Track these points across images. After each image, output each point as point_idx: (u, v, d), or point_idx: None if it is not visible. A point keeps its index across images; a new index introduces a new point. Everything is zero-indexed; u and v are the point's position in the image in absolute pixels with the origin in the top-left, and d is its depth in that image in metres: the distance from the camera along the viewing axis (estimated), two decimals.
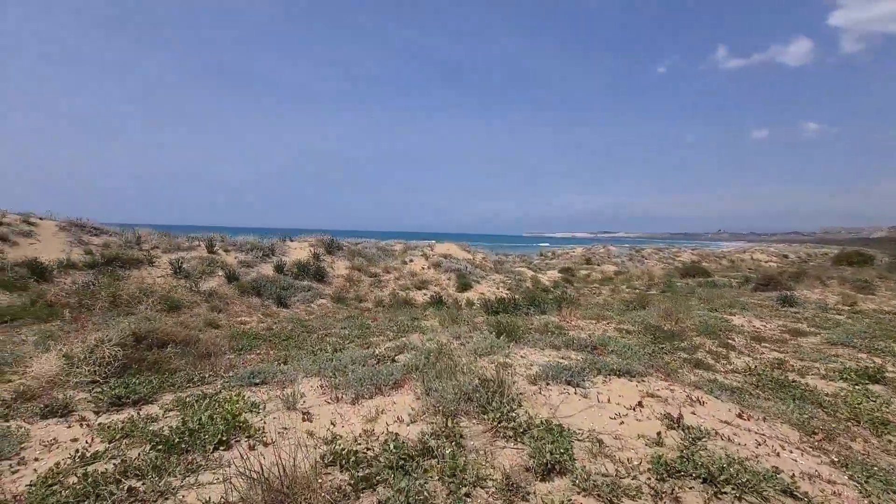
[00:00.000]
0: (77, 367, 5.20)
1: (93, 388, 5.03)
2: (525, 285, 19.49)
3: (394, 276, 17.54)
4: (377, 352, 6.07)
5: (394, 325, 10.52)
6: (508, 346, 6.14)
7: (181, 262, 13.71)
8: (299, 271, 15.60)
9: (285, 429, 3.80)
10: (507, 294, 15.58)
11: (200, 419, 3.64)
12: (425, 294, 16.08)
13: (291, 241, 19.41)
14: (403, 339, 7.76)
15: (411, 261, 19.62)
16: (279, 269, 15.44)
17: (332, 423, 3.88)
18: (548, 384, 4.60)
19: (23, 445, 3.68)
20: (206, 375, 5.51)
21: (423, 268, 18.81)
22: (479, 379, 4.13)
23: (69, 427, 4.12)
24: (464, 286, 17.04)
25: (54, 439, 3.84)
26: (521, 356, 5.85)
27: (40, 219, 13.51)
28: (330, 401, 4.39)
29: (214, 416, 3.72)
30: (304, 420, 3.95)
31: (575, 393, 4.40)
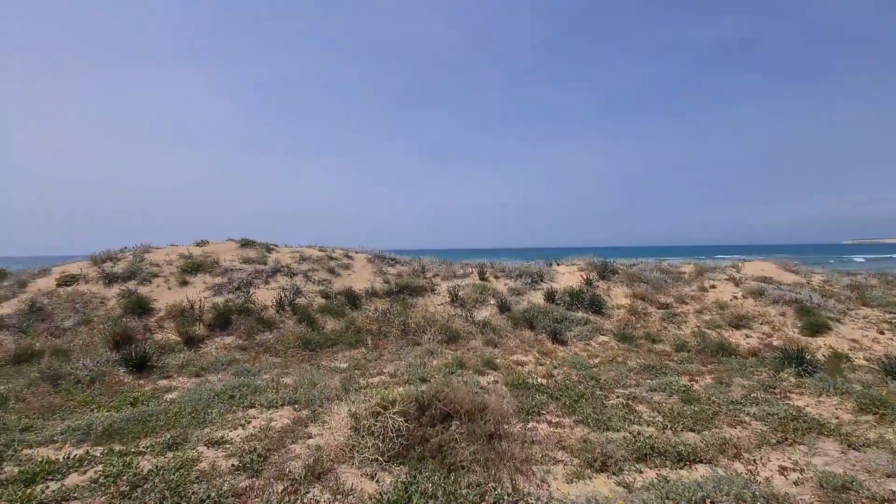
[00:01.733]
0: (362, 437, 4.30)
1: (375, 472, 4.04)
2: None
3: (693, 307, 13.48)
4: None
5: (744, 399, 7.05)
6: None
7: (457, 290, 13.74)
8: (572, 300, 13.60)
9: None
10: None
11: None
12: (748, 337, 11.48)
13: (558, 265, 17.78)
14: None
15: (712, 287, 14.95)
16: (550, 297, 13.84)
17: None
18: None
19: None
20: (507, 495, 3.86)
21: (733, 297, 13.95)
22: None
23: None
24: (812, 327, 11.48)
25: None
26: None
27: (355, 252, 16.03)
28: None
29: None
30: None
31: None
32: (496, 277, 15.45)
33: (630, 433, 5.47)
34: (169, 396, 7.40)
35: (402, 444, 4.24)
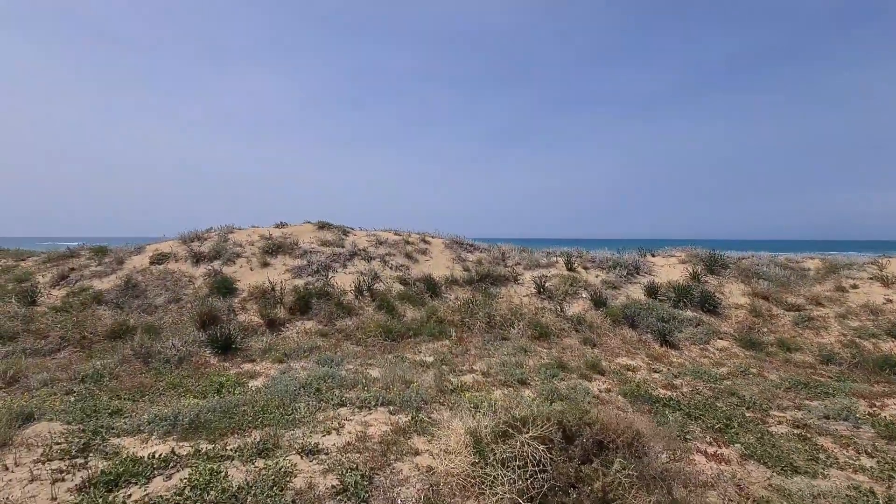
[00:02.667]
0: (491, 467, 3.32)
1: None
2: None
3: (832, 310, 11.22)
4: None
5: None
6: None
7: (544, 281, 12.49)
8: (678, 297, 11.85)
9: None
10: None
11: None
12: None
13: (653, 255, 15.87)
14: None
15: (853, 287, 12.46)
16: (651, 292, 12.18)
17: None
18: None
19: None
20: None
21: (886, 299, 11.46)
22: None
23: None
24: None
25: None
26: None
27: (432, 237, 15.23)
28: None
29: None
30: None
31: None
32: (585, 268, 13.97)
33: (835, 481, 4.05)
34: (254, 384, 6.96)
35: (546, 482, 3.20)
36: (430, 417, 5.29)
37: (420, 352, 8.99)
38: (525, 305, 11.70)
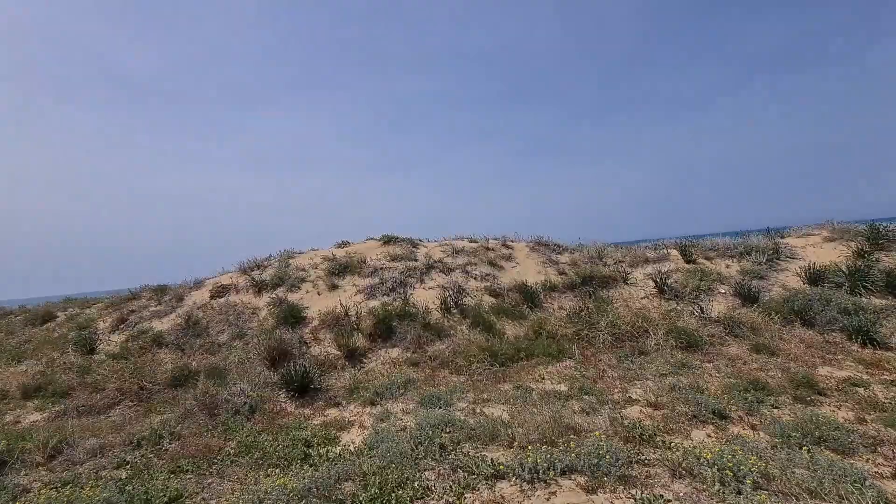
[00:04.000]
0: None
1: None
2: None
3: None
4: None
5: None
6: None
7: (663, 278, 10.14)
8: (852, 281, 9.12)
9: None
10: None
11: None
12: None
13: (782, 237, 13.04)
14: None
15: None
16: (814, 279, 9.52)
17: None
18: None
19: None
20: None
21: None
22: None
23: None
24: None
25: None
26: None
27: (513, 241, 13.26)
28: None
29: None
30: None
31: None
32: (707, 258, 11.44)
33: None
34: (348, 439, 5.21)
35: None
36: (660, 497, 3.21)
37: (542, 378, 6.95)
38: (648, 309, 9.39)
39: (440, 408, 5.88)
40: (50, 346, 10.08)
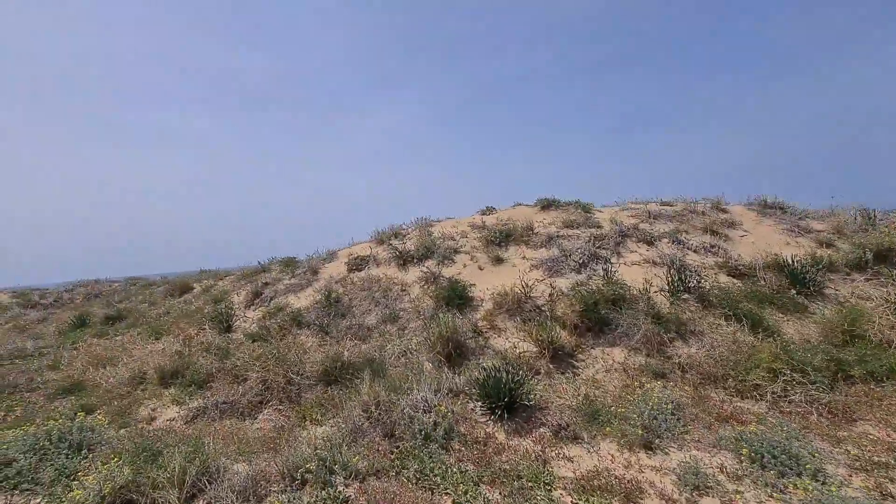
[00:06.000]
0: None
1: None
2: None
3: None
4: None
5: None
6: None
7: None
8: None
9: None
10: None
11: None
12: None
13: None
14: None
15: None
16: None
17: None
18: None
19: None
20: None
21: None
22: None
23: None
24: None
25: None
26: None
27: (727, 203, 9.75)
28: None
29: None
30: None
31: None
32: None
33: None
34: None
35: None
36: None
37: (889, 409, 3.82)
38: None
39: (795, 472, 3.12)
40: (187, 319, 9.14)
